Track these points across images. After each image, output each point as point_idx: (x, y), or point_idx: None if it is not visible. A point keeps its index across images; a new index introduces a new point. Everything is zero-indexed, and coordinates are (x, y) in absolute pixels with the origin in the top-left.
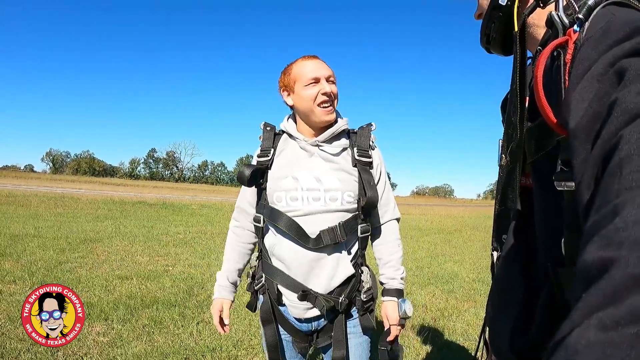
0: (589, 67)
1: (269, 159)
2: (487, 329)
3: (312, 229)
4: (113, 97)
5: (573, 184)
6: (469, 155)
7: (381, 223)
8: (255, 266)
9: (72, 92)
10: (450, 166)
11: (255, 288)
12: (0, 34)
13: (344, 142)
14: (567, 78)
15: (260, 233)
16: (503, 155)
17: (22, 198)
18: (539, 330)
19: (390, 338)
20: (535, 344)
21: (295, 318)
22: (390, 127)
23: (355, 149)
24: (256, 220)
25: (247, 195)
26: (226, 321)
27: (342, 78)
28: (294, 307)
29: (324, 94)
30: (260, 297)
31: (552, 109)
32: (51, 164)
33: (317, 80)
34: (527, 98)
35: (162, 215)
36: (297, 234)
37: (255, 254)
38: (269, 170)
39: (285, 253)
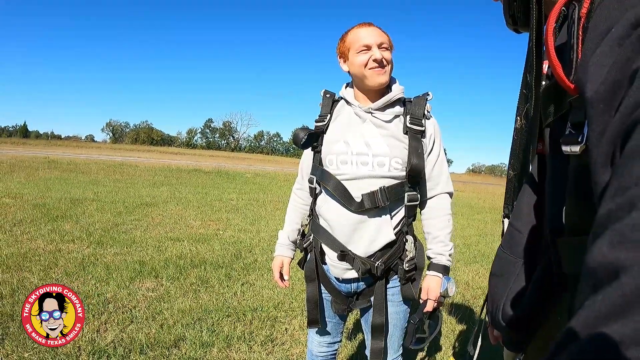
0: (609, 27)
1: (325, 124)
2: (488, 297)
3: (358, 192)
4: (171, 69)
5: (578, 148)
6: None
7: (432, 196)
8: (306, 225)
9: (132, 65)
10: (509, 145)
11: (304, 245)
12: (63, 10)
13: (397, 109)
14: (580, 33)
15: (314, 193)
16: (518, 118)
17: (82, 165)
18: (528, 303)
19: (425, 310)
20: (523, 315)
21: (336, 278)
22: (449, 102)
23: (408, 117)
24: (310, 181)
25: (307, 158)
26: (286, 277)
27: (399, 46)
28: (334, 266)
29: (375, 60)
30: (308, 255)
31: (563, 66)
32: (111, 134)
33: (368, 47)
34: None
35: (216, 183)
36: (342, 196)
37: (307, 212)
38: (324, 135)
39: (330, 214)
